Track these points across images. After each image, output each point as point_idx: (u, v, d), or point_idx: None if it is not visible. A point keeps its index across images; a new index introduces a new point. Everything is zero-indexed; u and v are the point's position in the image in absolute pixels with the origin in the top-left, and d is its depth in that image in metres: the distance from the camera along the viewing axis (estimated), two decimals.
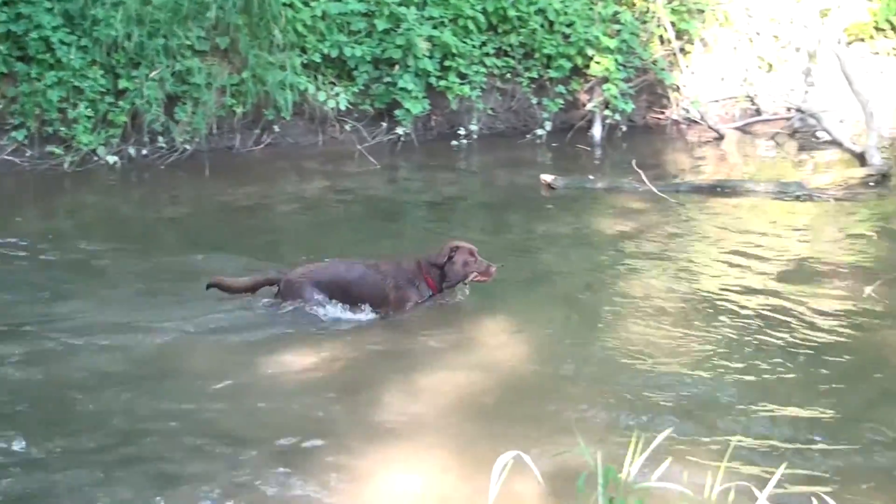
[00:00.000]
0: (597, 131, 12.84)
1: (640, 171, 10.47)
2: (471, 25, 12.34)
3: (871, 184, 11.00)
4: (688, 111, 13.28)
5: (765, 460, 5.16)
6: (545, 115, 12.72)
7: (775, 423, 5.73)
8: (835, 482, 5.08)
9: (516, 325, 7.08)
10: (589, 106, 12.87)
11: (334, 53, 11.84)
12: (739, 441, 5.34)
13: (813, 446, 5.45)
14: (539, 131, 12.65)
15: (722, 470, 3.21)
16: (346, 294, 7.17)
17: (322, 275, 7.23)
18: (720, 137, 13.10)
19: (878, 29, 14.81)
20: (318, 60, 11.86)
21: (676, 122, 13.35)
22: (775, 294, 7.70)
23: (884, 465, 5.32)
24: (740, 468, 4.90)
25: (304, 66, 11.79)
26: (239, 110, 11.51)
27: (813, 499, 3.16)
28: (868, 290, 7.64)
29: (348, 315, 7.12)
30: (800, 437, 5.56)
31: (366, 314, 7.13)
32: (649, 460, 3.50)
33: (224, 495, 4.71)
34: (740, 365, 6.41)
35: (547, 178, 10.75)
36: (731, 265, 8.34)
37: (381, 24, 11.86)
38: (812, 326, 7.10)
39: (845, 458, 5.37)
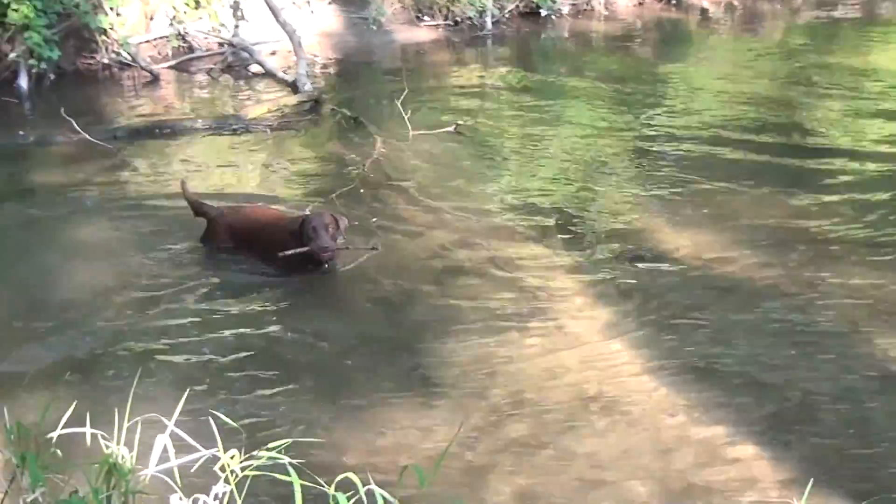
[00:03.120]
0: (23, 82, 12.13)
1: (71, 120, 10.09)
2: None
3: (306, 111, 11.43)
4: (119, 54, 12.94)
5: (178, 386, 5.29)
6: None
7: (218, 349, 6.10)
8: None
9: None
10: (11, 56, 12.13)
11: None
12: (162, 373, 5.67)
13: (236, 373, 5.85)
14: None
15: (129, 404, 3.21)
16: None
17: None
18: (155, 78, 12.92)
19: None
20: None
21: (108, 67, 12.91)
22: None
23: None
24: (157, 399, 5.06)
25: None
26: None
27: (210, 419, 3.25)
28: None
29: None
30: (234, 367, 5.92)
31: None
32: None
33: None
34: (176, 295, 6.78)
35: None
36: (169, 209, 8.36)
37: None
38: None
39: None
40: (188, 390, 3.78)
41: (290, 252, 6.73)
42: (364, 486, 3.12)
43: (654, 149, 9.88)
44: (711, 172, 9.08)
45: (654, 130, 10.56)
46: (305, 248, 6.74)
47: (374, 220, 7.96)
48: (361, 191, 8.69)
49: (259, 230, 7.15)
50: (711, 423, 5.24)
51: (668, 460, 4.98)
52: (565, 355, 5.97)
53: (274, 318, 6.51)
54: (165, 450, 3.14)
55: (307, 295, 6.85)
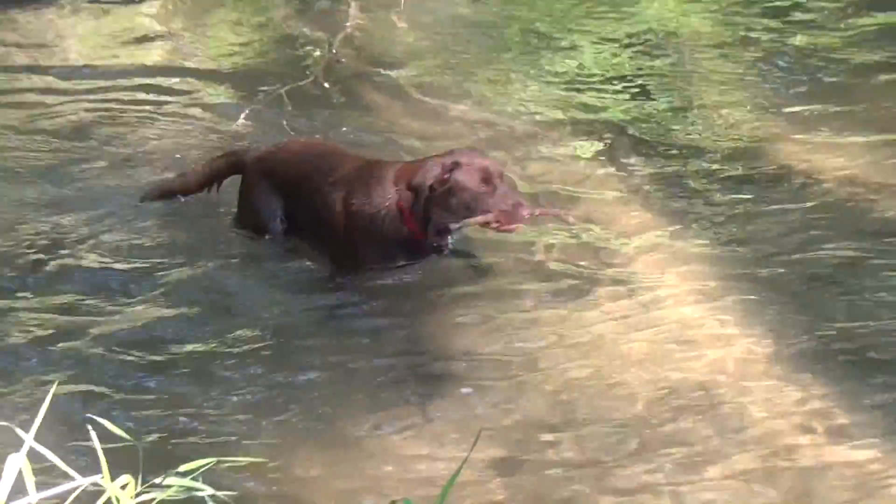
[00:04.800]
0: None
1: None
2: None
3: None
4: None
5: None
6: None
7: None
8: None
9: None
10: None
11: None
12: None
13: None
14: None
15: None
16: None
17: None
18: None
19: None
20: None
21: None
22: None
23: None
24: None
25: None
26: None
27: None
28: None
29: None
30: None
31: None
32: None
33: None
34: None
35: None
36: (50, 103, 8.67)
37: None
38: None
39: None
40: (56, 385, 3.68)
41: (469, 222, 6.27)
42: None
43: (772, 25, 9.72)
44: (860, 65, 8.97)
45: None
46: (486, 217, 6.19)
47: (345, 129, 7.99)
48: (326, 85, 8.78)
49: (316, 184, 6.71)
50: (856, 438, 5.21)
51: (801, 491, 4.92)
52: (634, 333, 5.99)
53: (215, 285, 6.53)
54: (22, 477, 3.06)
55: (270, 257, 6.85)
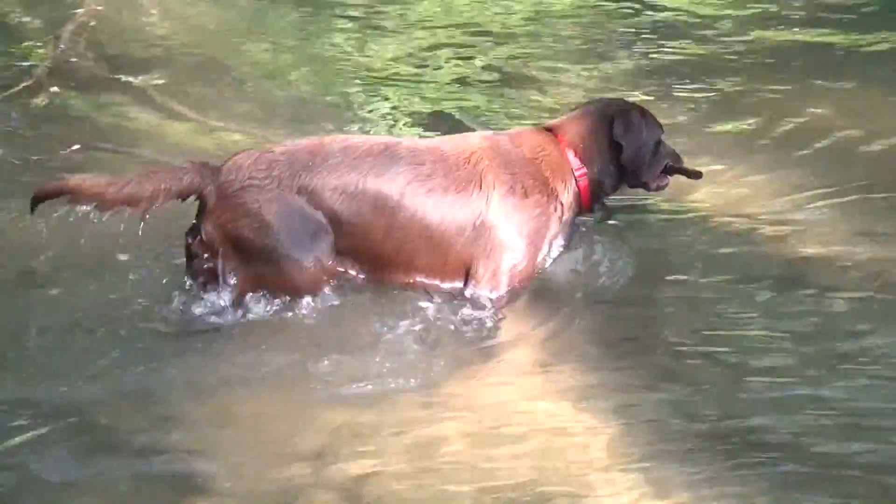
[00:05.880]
0: None
1: None
2: None
3: None
4: None
5: None
6: None
7: None
8: None
9: None
10: None
11: None
12: None
13: None
14: None
15: None
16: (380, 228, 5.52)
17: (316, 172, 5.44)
18: None
19: None
20: None
21: None
22: None
23: None
24: None
25: None
26: None
27: None
28: None
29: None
30: None
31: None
32: None
33: None
34: None
35: None
36: None
37: None
38: None
39: None
40: None
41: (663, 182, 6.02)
42: None
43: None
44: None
45: None
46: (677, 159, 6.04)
47: (76, 146, 7.33)
48: (54, 89, 8.10)
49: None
50: None
51: None
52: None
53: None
54: None
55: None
